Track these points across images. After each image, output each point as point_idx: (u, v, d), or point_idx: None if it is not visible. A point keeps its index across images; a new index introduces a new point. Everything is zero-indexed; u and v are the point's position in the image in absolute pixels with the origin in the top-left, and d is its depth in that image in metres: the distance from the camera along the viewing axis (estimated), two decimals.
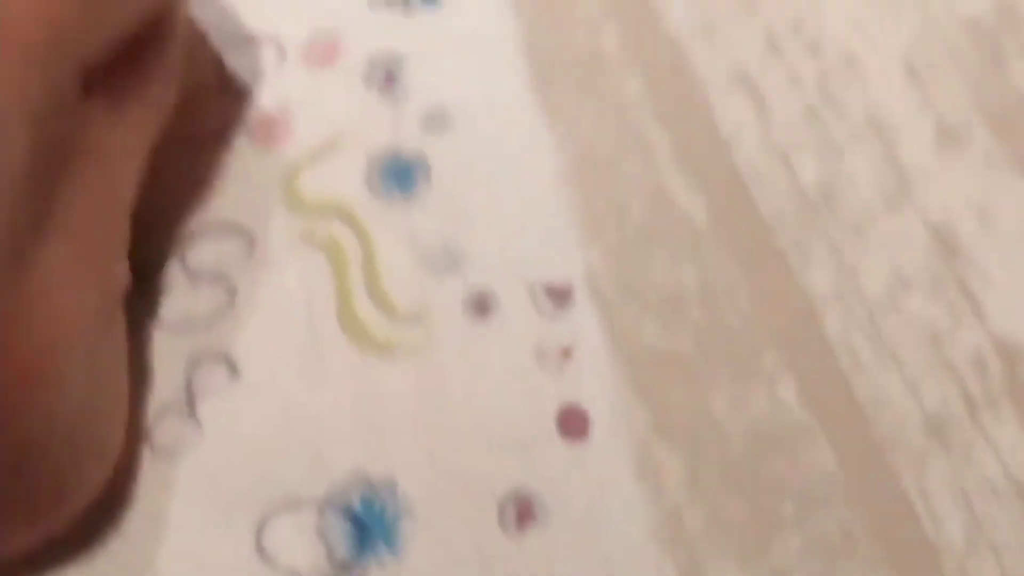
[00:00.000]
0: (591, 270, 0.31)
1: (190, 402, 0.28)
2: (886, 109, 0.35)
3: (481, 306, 0.30)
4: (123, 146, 0.22)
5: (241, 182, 0.30)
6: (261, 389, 0.28)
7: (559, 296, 0.30)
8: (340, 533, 0.27)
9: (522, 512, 0.28)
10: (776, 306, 0.32)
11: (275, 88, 0.32)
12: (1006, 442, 0.30)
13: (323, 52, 0.32)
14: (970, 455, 0.30)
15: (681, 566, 0.28)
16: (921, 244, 0.33)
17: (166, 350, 0.28)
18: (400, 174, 0.31)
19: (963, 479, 0.30)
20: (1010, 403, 0.31)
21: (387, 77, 0.32)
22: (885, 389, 0.31)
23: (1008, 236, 0.33)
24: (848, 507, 0.29)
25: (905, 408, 0.30)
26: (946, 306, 0.32)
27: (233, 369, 0.28)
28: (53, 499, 0.23)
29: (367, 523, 0.27)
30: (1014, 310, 0.32)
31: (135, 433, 0.27)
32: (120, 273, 0.24)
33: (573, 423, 0.29)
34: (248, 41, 0.32)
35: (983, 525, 0.29)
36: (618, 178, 0.33)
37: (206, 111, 0.30)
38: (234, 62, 0.32)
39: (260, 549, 0.27)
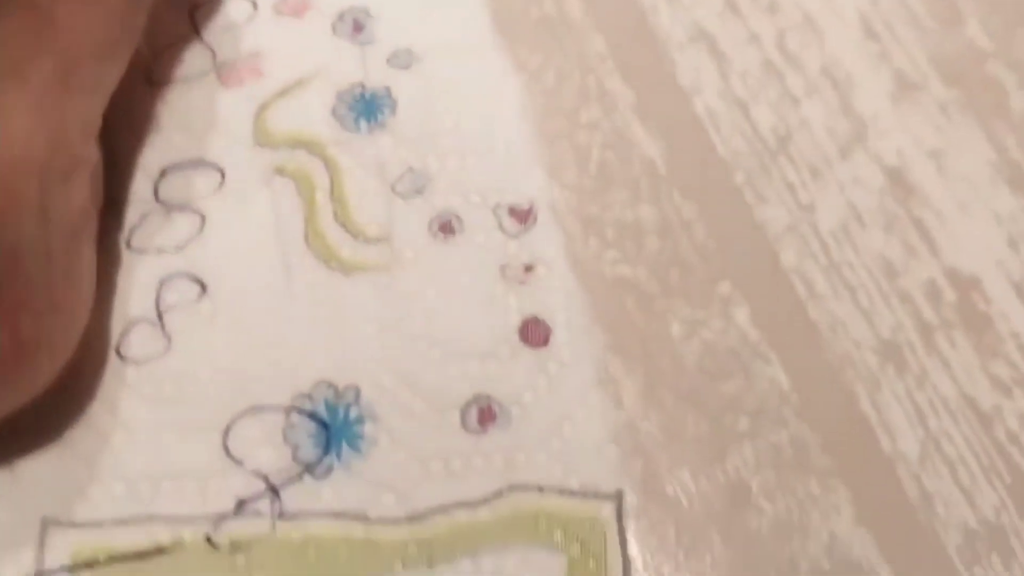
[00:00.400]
0: (553, 204, 0.34)
1: (159, 317, 0.31)
2: (843, 64, 0.39)
3: (446, 227, 0.33)
4: (75, 17, 0.25)
5: (210, 120, 0.34)
6: (229, 306, 0.31)
7: (522, 217, 0.33)
8: (305, 435, 0.30)
9: (483, 414, 0.30)
10: (732, 240, 0.35)
11: (246, 37, 0.36)
12: (960, 364, 0.33)
13: (294, 5, 0.36)
14: (924, 376, 0.33)
15: (638, 473, 0.31)
16: (877, 185, 0.36)
17: (137, 271, 0.31)
18: (367, 107, 0.34)
19: (917, 398, 0.32)
20: (963, 329, 0.34)
21: (355, 26, 0.36)
22: (839, 315, 0.34)
23: (960, 177, 0.36)
24: (802, 422, 0.32)
25: (859, 332, 0.33)
26: (900, 241, 0.35)
27: (202, 288, 0.32)
28: (12, 353, 0.25)
29: (331, 426, 0.30)
30: (967, 245, 0.35)
31: (101, 336, 0.30)
32: (82, 148, 0.27)
33: (535, 333, 0.32)
34: None
35: (938, 440, 0.32)
36: (579, 125, 0.37)
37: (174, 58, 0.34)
38: (204, 17, 0.36)
39: (226, 450, 0.30)
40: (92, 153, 0.27)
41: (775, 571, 0.29)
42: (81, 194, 0.26)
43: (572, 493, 0.29)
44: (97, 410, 0.29)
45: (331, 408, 0.29)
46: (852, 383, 0.32)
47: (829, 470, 0.31)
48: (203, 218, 0.32)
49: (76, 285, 0.26)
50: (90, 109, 0.26)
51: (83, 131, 0.26)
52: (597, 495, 0.29)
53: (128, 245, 0.31)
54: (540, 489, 0.29)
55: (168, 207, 0.32)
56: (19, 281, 0.24)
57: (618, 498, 0.29)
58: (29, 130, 0.24)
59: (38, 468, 0.28)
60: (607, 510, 0.29)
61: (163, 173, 0.32)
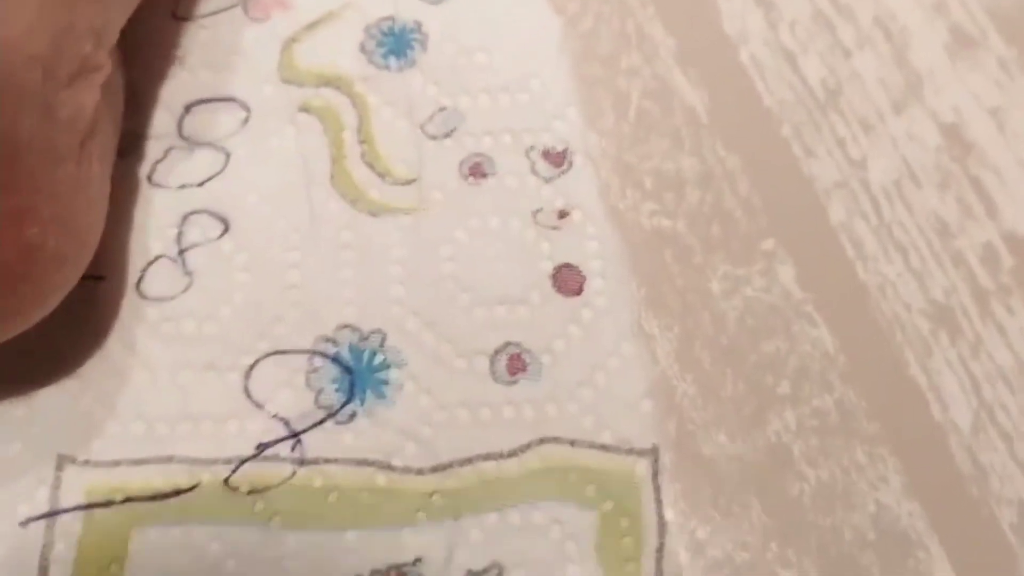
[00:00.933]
0: (589, 150, 0.35)
1: (181, 254, 0.32)
2: (897, 16, 0.39)
3: (477, 169, 0.34)
4: None
5: (235, 55, 0.35)
6: (252, 244, 0.32)
7: (556, 160, 0.34)
8: (328, 380, 0.30)
9: (513, 363, 0.31)
10: (777, 194, 0.35)
11: None
12: (1017, 332, 0.33)
13: None
14: (979, 343, 0.33)
15: (674, 431, 0.31)
16: (932, 142, 0.36)
17: (159, 207, 0.32)
18: (396, 42, 0.35)
19: (971, 366, 0.33)
20: (1021, 295, 0.34)
21: None
22: (889, 276, 0.34)
23: (1021, 137, 0.36)
24: (848, 387, 0.32)
25: (910, 295, 0.34)
26: (956, 201, 0.35)
27: (225, 226, 0.32)
28: (17, 259, 0.26)
29: (355, 371, 0.31)
30: None
31: (120, 272, 0.31)
32: (92, 54, 0.27)
33: (568, 281, 0.32)
34: None
35: (992, 411, 0.32)
36: (618, 71, 0.37)
37: None
38: None
39: (247, 393, 0.30)
40: (104, 63, 0.27)
41: (816, 540, 0.29)
42: (91, 101, 0.27)
43: (605, 448, 0.30)
44: (115, 348, 0.29)
45: (355, 353, 0.30)
46: (901, 348, 0.32)
47: (876, 438, 0.31)
48: (227, 155, 0.32)
49: (86, 199, 0.27)
50: (100, 15, 0.27)
51: (94, 38, 0.27)
52: (632, 451, 0.30)
53: (150, 180, 0.32)
54: (572, 442, 0.29)
55: (191, 143, 0.32)
56: (22, 179, 0.25)
57: (654, 455, 0.30)
58: (31, 22, 0.24)
59: (55, 404, 0.29)
60: (642, 467, 0.29)
61: (187, 109, 0.33)
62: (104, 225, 0.28)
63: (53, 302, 0.27)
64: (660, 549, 0.28)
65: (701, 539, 0.29)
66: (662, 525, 0.29)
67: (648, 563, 0.28)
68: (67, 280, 0.27)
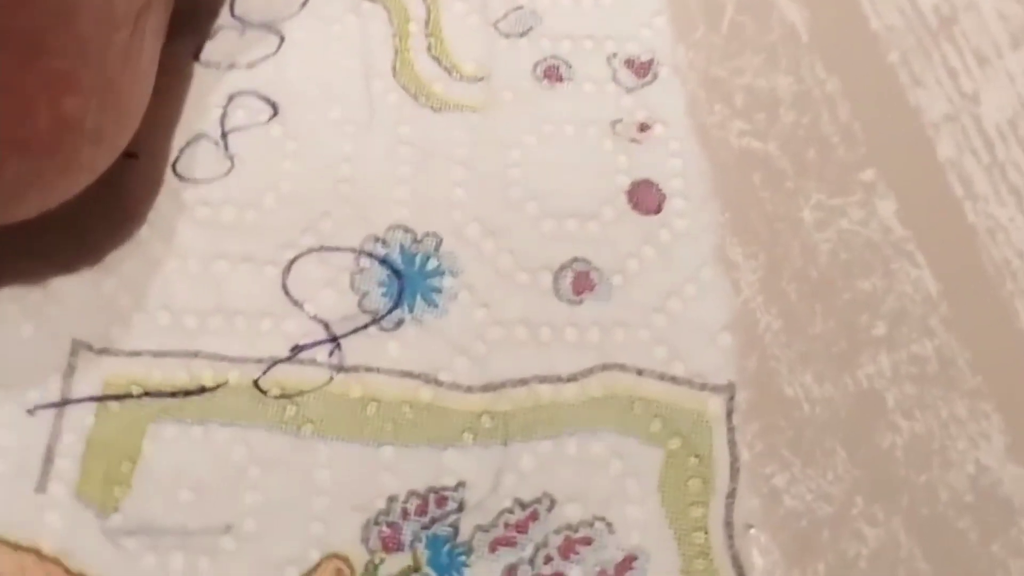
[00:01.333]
0: (677, 61, 0.32)
1: (224, 136, 0.29)
2: None
3: (552, 72, 0.30)
4: None
5: None
6: (302, 132, 0.29)
7: (640, 70, 0.31)
8: (375, 282, 0.27)
9: (580, 280, 0.28)
10: (881, 123, 0.32)
11: None
12: None
13: None
14: None
15: (753, 368, 0.28)
16: None
17: (204, 85, 0.29)
18: None
19: None
20: None
21: None
22: (1000, 220, 0.31)
23: None
24: (950, 334, 0.29)
25: (1023, 242, 0.31)
26: None
27: (274, 110, 0.29)
28: (51, 129, 0.23)
29: (405, 275, 0.28)
30: None
31: (158, 150, 0.28)
32: None
33: (646, 198, 0.29)
34: None
35: None
36: None
37: None
38: None
39: (286, 290, 0.27)
40: None
41: (908, 497, 0.26)
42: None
43: (676, 380, 0.27)
44: (145, 231, 0.27)
45: (407, 256, 0.27)
46: (1011, 297, 0.29)
47: (979, 392, 0.28)
48: (281, 38, 0.29)
49: (133, 75, 0.24)
50: None
51: None
52: (705, 386, 0.26)
53: (197, 58, 0.29)
54: (639, 372, 0.26)
55: (244, 23, 0.30)
56: (72, 42, 0.22)
57: (729, 392, 0.26)
58: None
59: (74, 288, 0.26)
60: (716, 404, 0.26)
61: None
62: (146, 107, 0.25)
63: (81, 183, 0.25)
64: (731, 494, 0.25)
65: (778, 486, 0.26)
66: (735, 468, 0.26)
67: (717, 509, 0.25)
68: (99, 162, 0.24)
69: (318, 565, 0.24)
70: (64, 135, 0.23)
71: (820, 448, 0.27)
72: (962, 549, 0.25)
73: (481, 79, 0.29)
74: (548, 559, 0.24)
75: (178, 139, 0.28)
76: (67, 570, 0.23)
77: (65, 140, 0.23)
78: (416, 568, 0.24)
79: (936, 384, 0.28)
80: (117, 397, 0.25)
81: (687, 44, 0.31)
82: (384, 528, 0.24)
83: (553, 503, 0.25)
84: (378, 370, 0.26)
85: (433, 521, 0.24)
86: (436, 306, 0.26)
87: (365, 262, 0.27)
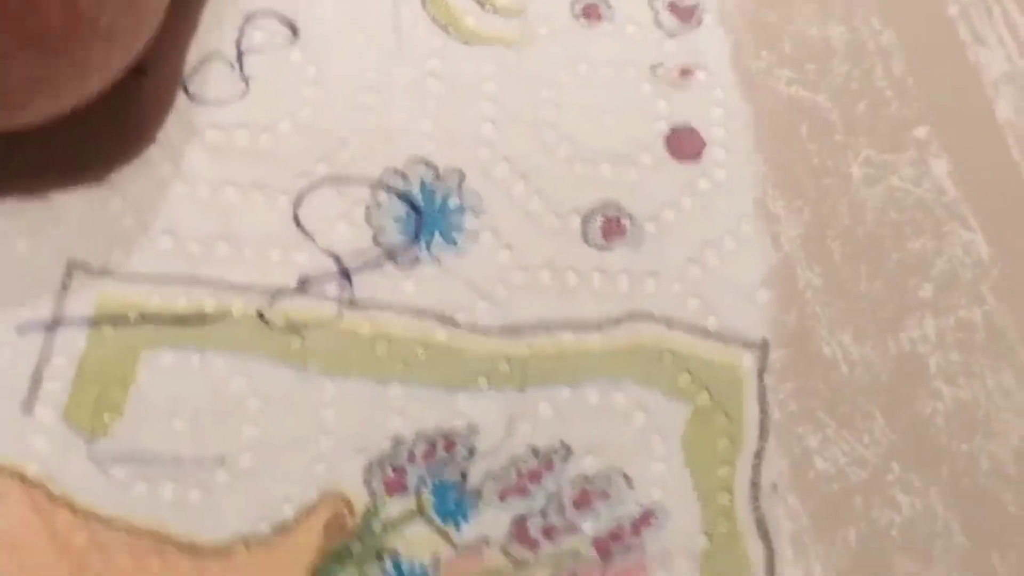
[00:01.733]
0: (723, 5, 0.30)
1: (239, 57, 0.27)
2: None
3: (592, 10, 0.29)
4: None
5: None
6: (323, 57, 0.27)
7: (684, 14, 0.29)
8: (391, 217, 0.26)
9: (610, 226, 0.26)
10: (937, 78, 0.30)
11: None
12: None
13: None
14: None
15: (791, 325, 0.26)
16: None
17: (218, 2, 0.28)
18: None
19: None
20: None
21: None
22: None
23: None
24: (1001, 303, 0.27)
25: None
26: None
27: (294, 32, 0.28)
28: (64, 24, 0.22)
29: (424, 211, 0.26)
30: None
31: (169, 68, 0.27)
32: None
33: (685, 144, 0.27)
34: None
35: None
36: None
37: None
38: None
39: (296, 220, 0.26)
40: None
41: (948, 467, 0.25)
42: None
43: (708, 334, 0.25)
44: (152, 151, 0.25)
45: (427, 191, 0.25)
46: None
47: None
48: None
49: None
50: None
51: None
52: (738, 341, 0.25)
53: None
54: (668, 323, 0.25)
55: None
56: None
57: (763, 349, 0.25)
58: None
59: (74, 205, 0.25)
60: (748, 360, 0.25)
61: None
62: (163, 15, 0.24)
63: (93, 86, 0.23)
64: (759, 454, 0.23)
65: (810, 448, 0.24)
66: (765, 428, 0.24)
67: (743, 469, 0.23)
68: (113, 64, 0.23)
69: (316, 505, 0.22)
70: (77, 32, 0.21)
71: (858, 411, 0.25)
72: (1002, 522, 0.24)
73: (516, 14, 0.27)
74: (561, 510, 0.23)
75: (191, 56, 0.26)
76: (51, 496, 0.22)
77: (78, 37, 0.21)
78: (420, 512, 0.22)
79: (983, 352, 0.26)
80: (113, 320, 0.23)
81: None
82: (389, 470, 0.23)
83: (569, 453, 0.23)
84: (391, 308, 0.24)
85: (441, 465, 0.23)
86: (456, 245, 0.25)
87: (382, 196, 0.25)
